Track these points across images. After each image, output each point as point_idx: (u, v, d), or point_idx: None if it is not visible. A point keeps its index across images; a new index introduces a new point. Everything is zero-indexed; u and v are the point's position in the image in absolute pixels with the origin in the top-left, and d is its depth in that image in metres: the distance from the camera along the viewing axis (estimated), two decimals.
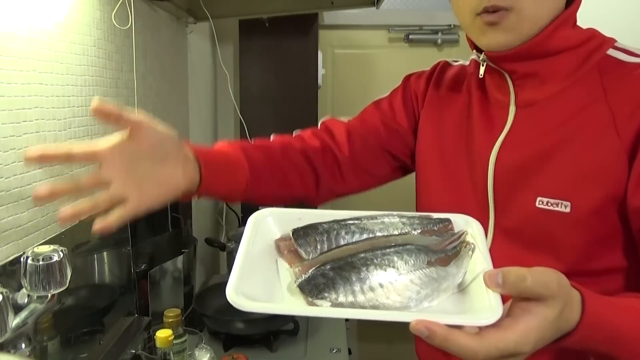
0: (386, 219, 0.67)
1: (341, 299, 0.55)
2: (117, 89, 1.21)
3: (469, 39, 0.84)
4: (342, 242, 0.64)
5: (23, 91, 0.86)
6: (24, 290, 0.76)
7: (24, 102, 0.86)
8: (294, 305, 0.57)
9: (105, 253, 1.18)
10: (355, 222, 0.66)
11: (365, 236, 0.65)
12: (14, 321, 0.71)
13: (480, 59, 0.81)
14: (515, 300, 0.54)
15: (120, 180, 0.66)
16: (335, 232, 0.65)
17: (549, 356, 0.76)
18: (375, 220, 0.66)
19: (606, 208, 0.73)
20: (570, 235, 0.75)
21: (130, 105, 1.28)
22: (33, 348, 0.84)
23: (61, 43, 0.97)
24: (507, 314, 0.53)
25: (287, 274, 0.62)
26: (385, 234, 0.65)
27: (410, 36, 2.36)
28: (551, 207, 0.75)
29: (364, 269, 0.57)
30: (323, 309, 0.55)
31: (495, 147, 0.81)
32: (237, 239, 1.86)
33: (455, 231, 0.66)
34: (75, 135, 1.03)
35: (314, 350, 1.45)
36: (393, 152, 0.98)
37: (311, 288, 0.56)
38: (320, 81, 2.17)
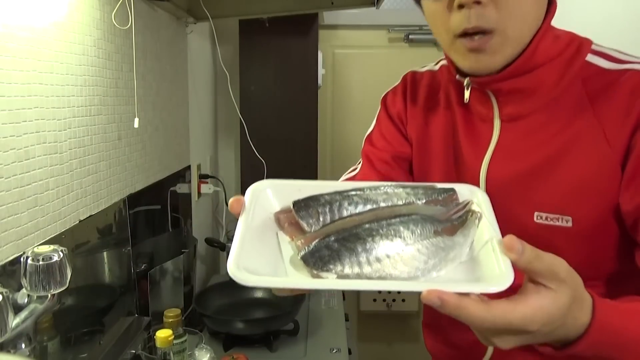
0: (389, 190, 0.64)
1: (347, 270, 0.54)
2: (117, 89, 1.21)
3: (448, 59, 0.81)
4: (344, 214, 0.62)
5: (23, 91, 0.86)
6: (24, 290, 0.76)
7: (24, 102, 0.86)
8: (299, 278, 0.55)
9: (105, 253, 1.18)
10: (358, 192, 0.63)
11: (368, 207, 0.62)
12: (14, 321, 0.71)
13: (465, 83, 0.79)
14: (527, 280, 0.54)
15: None
16: (337, 203, 0.62)
17: None
18: (378, 191, 0.64)
19: (607, 217, 0.73)
20: (573, 247, 0.74)
21: (130, 105, 1.28)
22: (33, 348, 0.84)
23: (61, 43, 0.97)
24: (519, 292, 0.53)
25: (288, 247, 0.59)
26: (389, 204, 0.63)
27: (410, 36, 2.36)
28: (551, 222, 0.75)
29: (369, 239, 0.55)
30: (330, 281, 0.54)
31: (484, 161, 0.80)
32: None
33: (460, 201, 0.65)
34: (75, 135, 1.03)
35: (314, 350, 1.45)
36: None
37: (315, 260, 0.54)
38: (320, 81, 2.17)
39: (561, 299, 0.53)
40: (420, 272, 0.55)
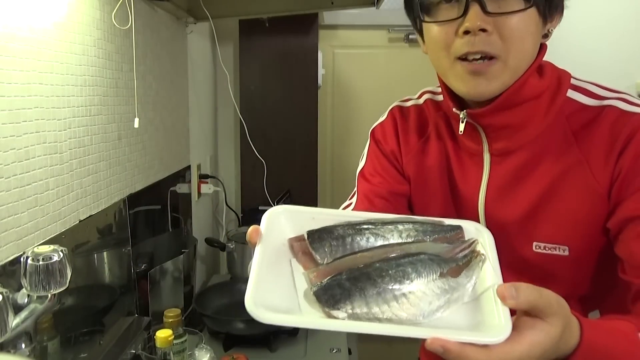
0: (400, 226, 0.67)
1: (357, 310, 0.57)
2: (117, 89, 1.21)
3: (445, 90, 0.82)
4: (356, 248, 0.65)
5: (23, 91, 0.86)
6: (24, 290, 0.76)
7: (24, 102, 0.86)
8: (313, 318, 0.57)
9: (105, 253, 1.18)
10: (370, 227, 0.67)
11: (379, 242, 0.66)
12: (14, 321, 0.71)
13: (461, 116, 0.81)
14: (520, 315, 0.57)
15: None
16: (350, 237, 0.65)
17: None
18: (390, 226, 0.67)
19: (601, 242, 0.78)
20: (570, 272, 0.80)
21: (130, 105, 1.28)
22: (33, 348, 0.84)
23: (61, 43, 0.97)
24: (512, 328, 0.56)
25: (302, 277, 0.63)
26: (399, 241, 0.66)
27: (410, 36, 2.36)
28: (549, 252, 0.79)
29: (379, 280, 0.58)
30: (342, 323, 0.57)
31: (480, 198, 0.84)
32: (237, 239, 1.87)
33: (466, 239, 0.68)
34: (75, 135, 1.03)
35: (314, 350, 1.45)
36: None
37: (328, 298, 0.57)
38: (320, 81, 2.17)
39: (555, 331, 0.57)
40: (425, 313, 0.58)
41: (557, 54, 0.87)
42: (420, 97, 0.95)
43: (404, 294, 0.58)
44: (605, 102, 0.78)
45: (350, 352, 1.51)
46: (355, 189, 0.96)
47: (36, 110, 0.90)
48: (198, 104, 2.00)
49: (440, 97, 0.89)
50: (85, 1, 1.06)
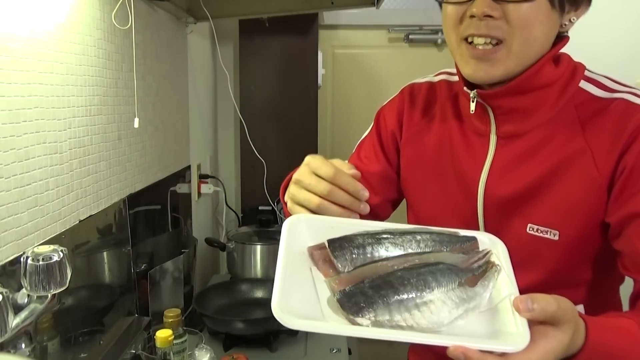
0: (418, 236, 0.70)
1: (379, 317, 0.58)
2: (117, 89, 1.21)
3: (458, 70, 0.84)
4: (376, 257, 0.67)
5: (23, 91, 0.86)
6: (24, 290, 0.75)
7: (24, 102, 0.86)
8: (339, 324, 0.59)
9: (105, 253, 1.18)
10: (389, 237, 0.69)
11: (398, 252, 0.68)
12: (14, 321, 0.71)
13: (471, 96, 0.82)
14: (532, 323, 0.59)
15: None
16: (370, 246, 0.67)
17: None
18: (408, 236, 0.69)
19: (592, 233, 0.79)
20: (558, 257, 0.81)
21: (130, 105, 1.28)
22: (33, 348, 0.84)
23: (61, 43, 0.97)
24: None
25: (323, 285, 0.64)
26: (418, 250, 0.68)
27: (410, 36, 2.36)
28: (541, 234, 0.80)
29: (401, 288, 0.60)
30: (367, 330, 0.58)
31: (482, 177, 0.84)
32: (237, 239, 1.87)
33: (480, 249, 0.70)
34: (75, 135, 1.03)
35: (314, 350, 1.45)
36: (389, 196, 0.98)
37: (351, 305, 0.59)
38: (320, 81, 2.17)
39: (566, 337, 0.59)
40: (445, 321, 0.60)
41: None
42: (436, 75, 0.97)
43: (425, 302, 0.60)
44: (616, 95, 0.79)
45: (350, 352, 1.51)
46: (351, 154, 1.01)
47: (36, 110, 0.90)
48: (198, 104, 2.00)
49: (456, 78, 0.90)
50: (85, 1, 1.06)
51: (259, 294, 1.61)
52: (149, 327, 1.25)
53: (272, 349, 1.42)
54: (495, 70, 0.76)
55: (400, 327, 0.59)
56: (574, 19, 0.79)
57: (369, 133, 1.01)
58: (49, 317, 0.92)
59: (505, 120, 0.82)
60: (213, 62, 2.23)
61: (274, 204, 2.14)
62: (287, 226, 0.69)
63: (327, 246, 0.66)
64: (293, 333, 1.49)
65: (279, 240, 0.68)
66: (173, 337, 1.10)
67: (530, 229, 0.81)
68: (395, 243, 0.68)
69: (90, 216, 1.09)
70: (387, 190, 0.98)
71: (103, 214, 1.15)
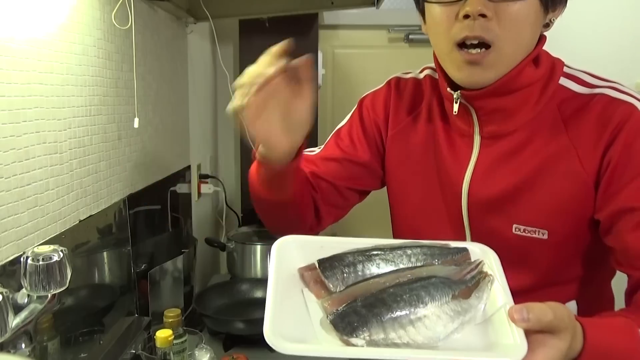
0: (408, 250, 0.69)
1: (374, 336, 0.58)
2: (117, 89, 1.21)
3: (440, 71, 0.84)
4: (367, 274, 0.66)
5: (23, 91, 0.86)
6: (24, 290, 0.75)
7: (24, 102, 0.86)
8: (333, 347, 0.58)
9: (105, 253, 1.18)
10: (380, 253, 0.68)
11: (390, 268, 0.67)
12: (14, 321, 0.71)
13: (455, 96, 0.81)
14: (529, 332, 0.58)
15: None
16: (361, 264, 0.67)
17: None
18: (398, 251, 0.69)
19: (581, 230, 0.79)
20: (548, 256, 0.80)
21: (130, 105, 1.28)
22: (33, 348, 0.84)
23: (61, 43, 0.97)
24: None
25: (315, 306, 0.63)
26: (409, 265, 0.68)
27: (410, 36, 2.36)
28: (528, 234, 0.80)
29: (394, 305, 0.60)
30: (362, 350, 0.57)
31: (466, 177, 0.84)
32: (237, 239, 1.86)
33: (472, 260, 0.69)
34: (75, 135, 1.03)
35: None
36: (359, 187, 0.98)
37: (345, 326, 0.58)
38: (320, 81, 2.17)
39: (564, 345, 0.59)
40: (441, 336, 0.59)
41: (555, 54, 0.87)
42: (421, 72, 0.96)
43: (419, 318, 0.60)
44: (596, 90, 0.79)
45: None
46: (326, 142, 0.99)
47: (36, 110, 0.90)
48: (198, 104, 2.00)
49: None
50: (85, 1, 1.06)
51: (259, 294, 1.60)
52: (149, 327, 1.25)
53: (272, 349, 1.42)
54: (487, 74, 0.76)
55: (396, 345, 0.58)
56: (553, 20, 0.79)
57: (348, 120, 0.99)
58: (49, 317, 0.92)
59: (488, 121, 0.82)
60: (213, 62, 2.23)
61: None
62: (276, 248, 0.68)
63: (317, 266, 0.66)
64: None
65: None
66: (173, 337, 1.10)
67: (517, 230, 0.81)
68: (386, 259, 0.68)
69: (90, 216, 1.09)
70: (360, 180, 0.97)
71: (103, 214, 1.15)
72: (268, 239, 1.88)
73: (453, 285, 0.63)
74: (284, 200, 0.85)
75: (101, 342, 1.14)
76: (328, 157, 0.96)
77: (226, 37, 2.22)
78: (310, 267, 0.67)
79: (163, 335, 1.08)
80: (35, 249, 0.74)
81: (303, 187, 0.88)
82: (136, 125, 1.25)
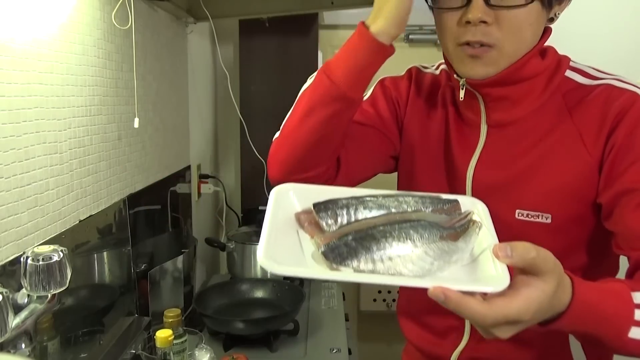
0: (400, 198, 0.71)
1: (362, 266, 0.60)
2: (117, 89, 1.21)
3: (447, 63, 0.87)
4: (360, 217, 0.68)
5: (23, 91, 0.86)
6: (24, 290, 0.75)
7: (24, 102, 0.86)
8: (320, 269, 0.61)
9: (105, 253, 1.18)
10: (372, 199, 0.70)
11: (381, 212, 0.69)
12: (14, 321, 0.71)
13: (461, 83, 0.85)
14: (516, 273, 0.60)
15: None
16: (354, 207, 0.69)
17: (537, 351, 0.86)
18: (390, 199, 0.71)
19: (584, 214, 0.81)
20: (551, 241, 0.80)
21: (130, 105, 1.28)
22: (33, 348, 0.84)
23: (61, 43, 0.97)
24: (509, 286, 0.59)
25: (309, 244, 0.66)
26: (400, 210, 0.70)
27: (410, 36, 2.36)
28: (531, 219, 0.82)
29: (383, 240, 0.61)
30: (348, 274, 0.60)
31: (471, 164, 0.87)
32: (237, 239, 1.87)
33: (462, 211, 0.71)
34: (75, 135, 1.03)
35: (314, 350, 1.44)
36: (382, 155, 0.97)
37: (335, 256, 0.60)
38: None
39: (549, 288, 0.59)
40: (426, 272, 0.61)
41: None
42: (437, 67, 1.00)
43: (407, 253, 0.61)
44: (600, 82, 0.82)
45: (350, 352, 1.51)
46: None
47: (36, 110, 0.90)
48: (198, 104, 2.00)
49: None
50: (85, 1, 1.06)
51: (259, 294, 1.60)
52: (149, 327, 1.25)
53: (272, 349, 1.42)
54: (488, 69, 0.80)
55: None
56: (558, 13, 0.82)
57: (370, 96, 0.99)
58: (49, 317, 0.92)
59: (495, 108, 0.85)
60: (213, 62, 2.23)
61: None
62: (274, 194, 0.70)
63: (312, 208, 0.68)
64: (293, 333, 1.49)
65: None
66: (173, 337, 1.10)
67: (520, 215, 0.82)
68: (379, 204, 0.70)
69: (90, 216, 1.09)
70: (386, 147, 0.96)
71: (103, 214, 1.15)
72: None
73: (442, 229, 0.65)
74: (351, 107, 0.84)
75: (101, 342, 1.14)
76: (356, 121, 0.94)
77: (226, 37, 2.22)
78: (306, 211, 0.70)
79: (163, 335, 1.08)
80: (35, 249, 0.74)
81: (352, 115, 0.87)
82: (136, 125, 1.25)
